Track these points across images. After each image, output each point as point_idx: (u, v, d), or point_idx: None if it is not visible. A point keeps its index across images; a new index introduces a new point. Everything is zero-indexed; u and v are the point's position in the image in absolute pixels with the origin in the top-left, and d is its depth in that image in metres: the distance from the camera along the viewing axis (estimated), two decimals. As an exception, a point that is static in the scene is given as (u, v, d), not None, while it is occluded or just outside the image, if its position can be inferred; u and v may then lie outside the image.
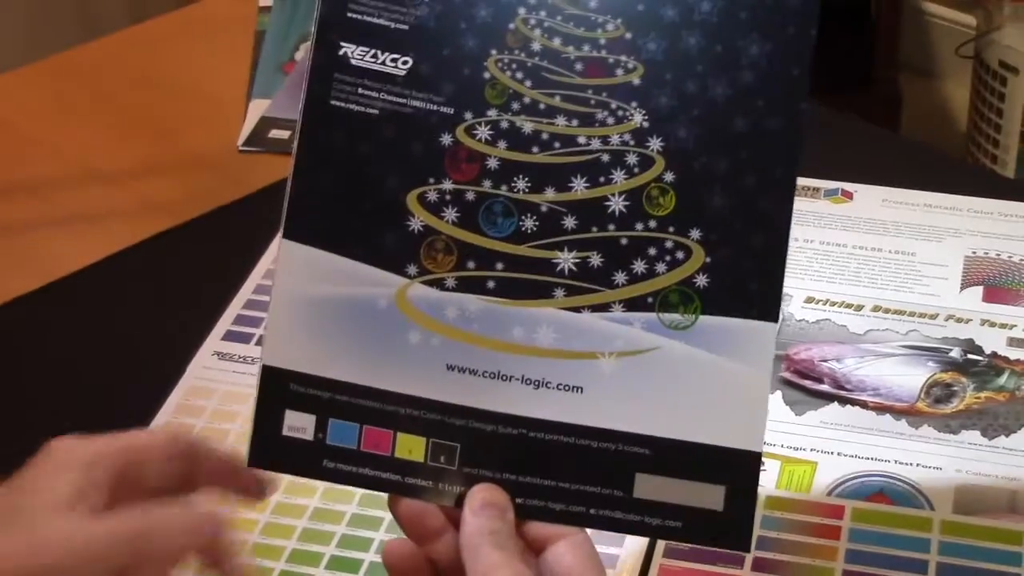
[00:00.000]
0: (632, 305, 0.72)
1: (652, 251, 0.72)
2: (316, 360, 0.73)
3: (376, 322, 0.73)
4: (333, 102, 0.73)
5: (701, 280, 0.72)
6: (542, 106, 0.73)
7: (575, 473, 0.72)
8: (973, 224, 1.11)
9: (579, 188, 0.72)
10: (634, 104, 0.72)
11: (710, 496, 0.71)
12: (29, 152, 1.27)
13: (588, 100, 0.73)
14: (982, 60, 2.22)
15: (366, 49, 0.73)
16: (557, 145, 0.73)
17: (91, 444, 0.72)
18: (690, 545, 0.84)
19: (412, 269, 0.73)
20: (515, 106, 0.73)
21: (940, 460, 0.93)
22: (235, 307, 1.06)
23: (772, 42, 0.72)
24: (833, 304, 1.04)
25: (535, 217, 0.73)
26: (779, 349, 1.00)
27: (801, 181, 1.14)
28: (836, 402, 0.97)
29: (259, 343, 1.02)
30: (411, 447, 0.73)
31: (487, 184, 0.73)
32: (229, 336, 1.04)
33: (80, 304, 1.10)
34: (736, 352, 0.72)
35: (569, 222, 0.73)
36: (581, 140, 0.72)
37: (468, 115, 0.73)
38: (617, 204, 0.72)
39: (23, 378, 1.04)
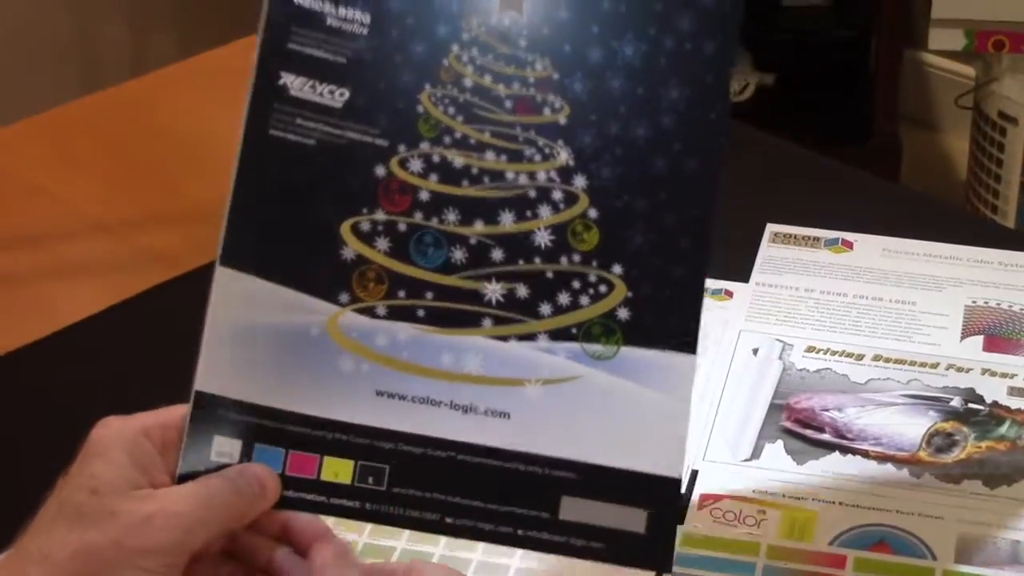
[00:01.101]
0: (557, 335, 0.75)
1: (576, 284, 0.75)
2: (245, 386, 0.75)
3: (307, 349, 0.75)
4: (272, 132, 0.75)
5: (623, 313, 0.75)
6: (472, 141, 0.75)
7: (503, 495, 0.75)
8: (973, 274, 1.11)
9: (507, 222, 0.75)
10: (560, 142, 0.75)
11: (632, 519, 0.74)
12: (32, 203, 1.27)
13: (516, 137, 0.75)
14: (981, 111, 2.23)
15: (305, 80, 0.75)
16: (486, 180, 0.75)
17: (135, 421, 0.74)
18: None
19: (344, 297, 0.75)
20: (447, 140, 0.75)
21: (942, 509, 0.93)
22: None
23: (690, 88, 0.75)
24: (834, 353, 1.04)
25: (464, 249, 0.75)
26: (780, 398, 1.01)
27: (802, 231, 1.15)
28: (837, 451, 0.97)
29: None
30: (338, 470, 0.75)
31: (418, 216, 0.75)
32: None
33: (82, 354, 1.10)
34: (657, 382, 0.75)
35: (497, 254, 0.75)
36: (509, 175, 0.75)
37: (401, 148, 0.75)
38: (543, 238, 0.75)
39: (26, 427, 1.04)
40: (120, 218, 1.25)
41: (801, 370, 1.03)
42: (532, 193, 0.75)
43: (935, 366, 1.03)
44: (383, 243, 0.75)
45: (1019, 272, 1.11)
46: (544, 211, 0.75)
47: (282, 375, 0.75)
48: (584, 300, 0.75)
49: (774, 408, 1.00)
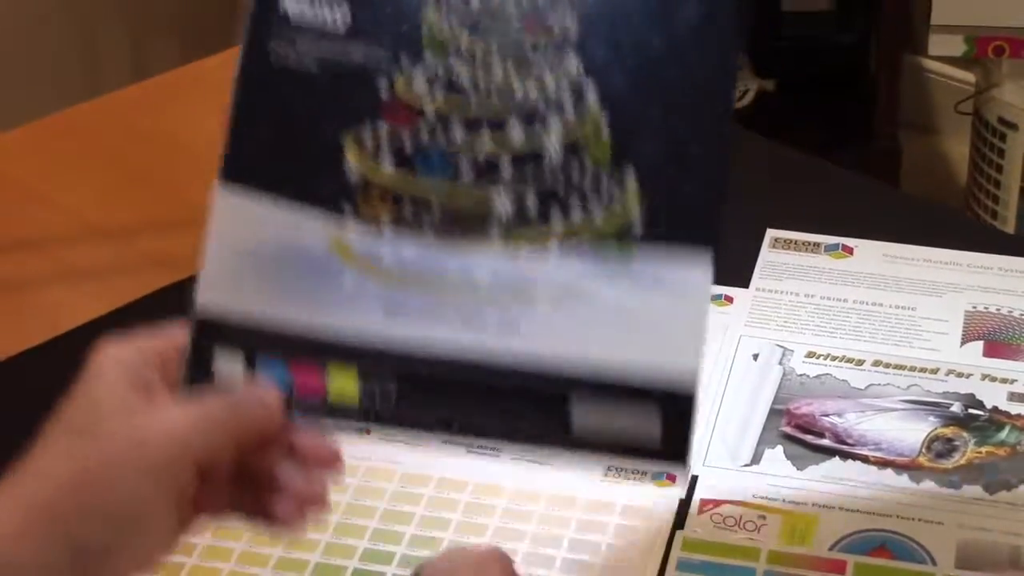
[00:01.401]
0: (569, 245, 0.73)
1: (588, 194, 0.73)
2: (248, 301, 0.74)
3: (311, 265, 0.74)
4: (271, 54, 0.75)
5: (636, 222, 0.73)
6: (479, 55, 0.74)
7: (514, 406, 0.73)
8: (973, 279, 1.11)
9: (516, 135, 0.74)
10: (571, 55, 0.74)
11: (648, 418, 0.72)
12: (33, 209, 1.27)
13: (525, 51, 0.74)
14: (981, 116, 2.23)
15: (303, 2, 0.75)
16: (494, 93, 0.74)
17: (133, 342, 0.74)
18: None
19: (349, 214, 0.74)
20: (453, 56, 0.74)
21: (942, 515, 0.93)
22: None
23: (703, 2, 0.74)
24: (834, 359, 1.04)
25: (472, 163, 0.74)
26: (780, 403, 1.01)
27: (802, 236, 1.15)
28: (837, 457, 0.97)
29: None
30: (344, 386, 0.73)
31: (425, 131, 0.74)
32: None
33: (83, 359, 1.10)
34: (671, 290, 0.73)
35: (506, 167, 0.74)
36: (518, 89, 0.74)
37: (406, 64, 0.74)
38: (553, 149, 0.74)
39: (26, 432, 1.04)
40: (121, 223, 1.25)
41: (801, 375, 1.03)
42: (542, 105, 0.74)
43: (935, 371, 1.03)
44: (388, 160, 0.74)
45: (1019, 278, 1.11)
46: (554, 123, 0.74)
47: (286, 290, 0.74)
48: (596, 209, 0.73)
49: (774, 413, 1.00)
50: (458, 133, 0.74)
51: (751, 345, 1.06)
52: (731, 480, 0.95)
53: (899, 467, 0.96)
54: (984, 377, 1.02)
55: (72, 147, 1.36)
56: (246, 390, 0.73)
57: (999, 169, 2.21)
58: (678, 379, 0.73)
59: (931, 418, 0.99)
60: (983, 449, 0.97)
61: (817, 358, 1.04)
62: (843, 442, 0.98)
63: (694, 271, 0.73)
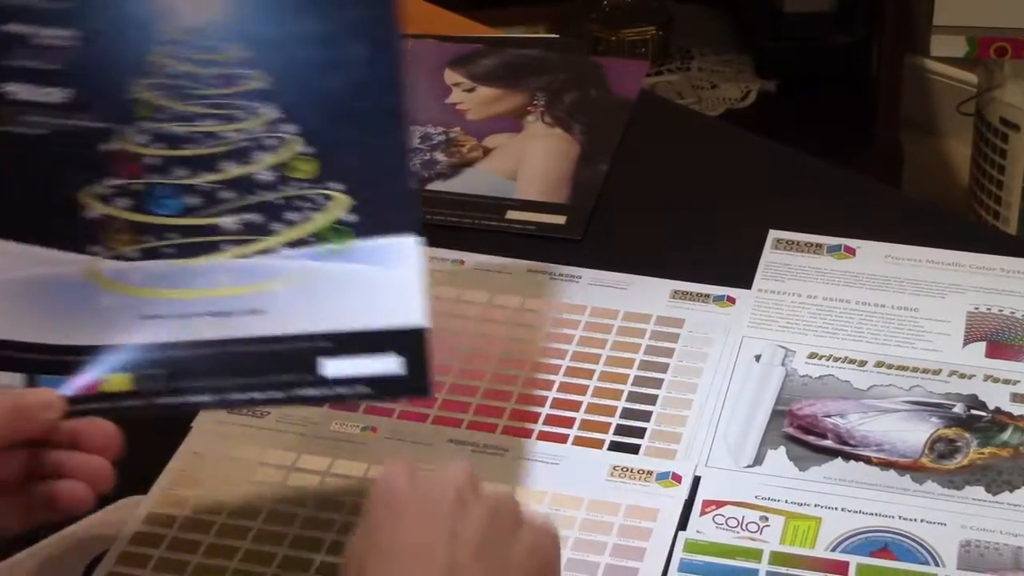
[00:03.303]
0: (294, 244, 0.88)
1: (304, 204, 0.88)
2: (19, 328, 0.86)
3: (70, 293, 0.87)
4: (2, 128, 0.86)
5: (350, 217, 0.87)
6: (189, 113, 0.87)
7: (269, 369, 0.87)
8: (976, 280, 1.11)
9: (231, 169, 0.87)
10: (266, 102, 0.87)
11: (390, 364, 0.87)
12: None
13: (226, 104, 0.87)
14: (983, 117, 2.23)
15: (22, 85, 0.86)
16: (207, 141, 0.87)
17: None
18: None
19: (95, 248, 0.87)
20: (165, 116, 0.87)
21: (944, 516, 0.93)
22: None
23: (368, 42, 0.87)
24: (836, 360, 1.04)
25: (197, 195, 0.87)
26: (783, 404, 1.01)
27: (804, 237, 1.15)
28: (840, 458, 0.97)
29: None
30: (119, 383, 0.86)
31: (153, 177, 0.87)
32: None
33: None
34: (389, 262, 0.87)
35: (227, 194, 0.87)
36: (227, 135, 0.87)
37: (125, 128, 0.87)
38: (266, 176, 0.87)
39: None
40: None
41: (803, 376, 1.03)
42: (248, 144, 0.87)
43: (937, 372, 1.03)
44: (123, 202, 0.87)
45: (1021, 279, 1.11)
46: (263, 156, 0.87)
47: (52, 316, 0.86)
48: (313, 214, 0.87)
49: (776, 414, 1.00)
50: (180, 172, 0.87)
51: (753, 346, 1.06)
52: (733, 481, 0.96)
53: (902, 468, 0.96)
54: (986, 378, 1.02)
55: None
56: (25, 390, 0.83)
57: (1001, 170, 2.21)
58: (408, 322, 0.87)
59: (934, 419, 0.99)
60: (985, 450, 0.97)
61: (819, 359, 1.05)
62: (846, 443, 0.98)
63: (404, 245, 0.87)
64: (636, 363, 1.05)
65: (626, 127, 1.29)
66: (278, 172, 0.87)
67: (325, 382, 0.87)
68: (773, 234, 1.16)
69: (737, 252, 1.15)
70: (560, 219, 1.18)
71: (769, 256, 1.14)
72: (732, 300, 1.10)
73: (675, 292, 1.11)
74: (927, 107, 2.61)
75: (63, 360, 0.86)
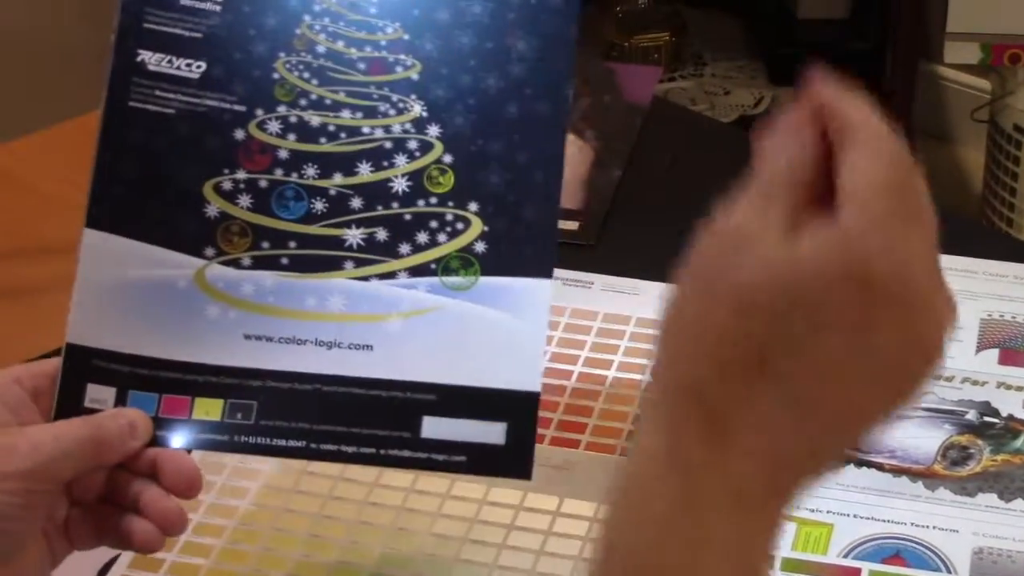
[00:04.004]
0: (416, 271, 0.80)
1: (434, 224, 0.80)
2: (117, 337, 0.79)
3: (176, 300, 0.79)
4: (132, 103, 0.80)
5: (480, 246, 0.79)
6: (328, 101, 0.80)
7: (365, 419, 0.78)
8: (988, 287, 1.11)
9: (364, 172, 0.80)
10: (413, 96, 0.80)
11: (492, 433, 0.78)
12: (51, 214, 1.27)
13: (371, 95, 0.80)
14: (997, 124, 2.23)
15: (162, 56, 0.80)
16: (343, 135, 0.80)
17: (6, 371, 0.77)
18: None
19: (210, 251, 0.80)
20: (303, 102, 0.80)
21: (957, 523, 0.93)
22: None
23: (538, 38, 0.79)
24: (849, 366, 1.04)
25: (324, 200, 0.80)
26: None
27: (817, 244, 1.15)
28: (852, 464, 0.97)
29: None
30: (208, 409, 0.79)
31: (279, 172, 0.79)
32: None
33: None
34: (513, 307, 0.79)
35: (356, 202, 0.80)
36: (365, 130, 0.80)
37: (259, 112, 0.80)
38: (400, 185, 0.80)
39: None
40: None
41: (816, 383, 1.03)
42: (388, 144, 0.80)
43: (950, 379, 1.03)
44: (245, 199, 0.80)
45: (1034, 286, 1.11)
46: (400, 160, 0.80)
47: (153, 325, 0.79)
48: (442, 237, 0.80)
49: (789, 420, 1.00)
50: (310, 171, 0.80)
51: (766, 352, 1.05)
52: (746, 487, 0.95)
53: (914, 475, 0.96)
54: (999, 385, 1.02)
55: (90, 152, 1.36)
56: (115, 413, 0.78)
57: (1015, 177, 2.20)
58: (522, 385, 0.79)
59: (946, 426, 0.99)
60: (998, 457, 0.97)
61: (832, 365, 1.04)
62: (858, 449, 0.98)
63: (534, 292, 0.79)
64: (649, 369, 1.04)
65: (639, 133, 1.29)
66: (413, 182, 0.80)
67: (423, 444, 0.79)
68: (786, 240, 1.16)
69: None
70: (573, 225, 1.19)
71: (782, 262, 1.14)
72: (745, 306, 1.10)
73: (688, 298, 1.11)
74: (941, 114, 2.61)
75: (158, 376, 0.79)
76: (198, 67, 0.80)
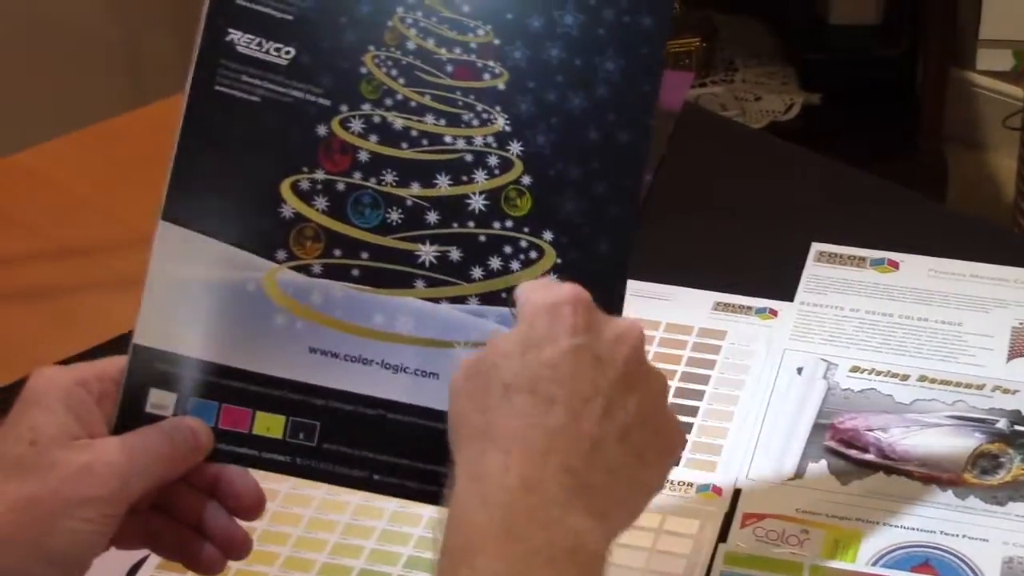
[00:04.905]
0: (487, 299, 0.76)
1: (508, 249, 0.77)
2: (182, 340, 0.76)
3: (244, 305, 0.76)
4: (217, 87, 0.77)
5: (551, 278, 0.76)
6: (413, 104, 0.77)
7: (430, 454, 0.75)
8: (1020, 295, 1.10)
9: (443, 185, 0.77)
10: (498, 108, 0.77)
11: None
12: (81, 214, 1.28)
13: (456, 101, 0.77)
14: (1029, 131, 2.22)
15: (252, 37, 0.76)
16: (425, 142, 0.77)
17: (72, 371, 0.75)
18: None
19: (281, 254, 0.76)
20: (388, 102, 0.77)
21: (987, 532, 0.92)
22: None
23: (626, 60, 0.76)
24: (879, 373, 1.04)
25: (400, 210, 0.77)
26: (824, 418, 1.00)
27: (847, 250, 1.15)
28: (881, 472, 0.97)
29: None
30: (270, 425, 0.76)
31: (357, 176, 0.77)
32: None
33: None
34: None
35: (432, 216, 0.77)
36: (447, 139, 0.77)
37: (344, 108, 0.77)
38: (477, 203, 0.77)
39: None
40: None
41: (846, 390, 1.03)
42: (468, 157, 0.77)
43: (981, 387, 1.02)
44: (321, 202, 0.77)
45: (1066, 294, 1.10)
46: (479, 175, 0.77)
47: (218, 330, 0.76)
48: (515, 265, 0.77)
49: (818, 427, 1.00)
50: (388, 178, 0.77)
51: (795, 359, 1.05)
52: (774, 494, 0.95)
53: (944, 483, 0.96)
54: (1030, 394, 1.02)
55: (121, 154, 1.37)
56: (180, 425, 0.75)
57: (1046, 184, 2.19)
58: None
59: (977, 434, 0.99)
60: (1029, 466, 0.97)
61: (862, 372, 1.04)
62: (888, 457, 0.98)
63: None
64: (678, 375, 1.04)
65: (670, 138, 1.29)
66: (491, 201, 0.77)
67: None
68: (816, 247, 1.16)
69: (780, 264, 1.14)
70: (603, 230, 1.18)
71: (812, 269, 1.14)
72: (774, 312, 1.10)
73: (717, 304, 1.11)
74: (972, 120, 2.60)
75: (219, 384, 0.76)
76: (287, 53, 0.76)
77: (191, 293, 0.76)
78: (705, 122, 1.38)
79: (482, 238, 0.77)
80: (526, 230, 0.77)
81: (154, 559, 0.91)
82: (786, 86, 2.54)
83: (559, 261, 0.77)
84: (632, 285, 1.12)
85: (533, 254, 0.77)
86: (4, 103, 2.33)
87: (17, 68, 2.36)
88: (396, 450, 0.76)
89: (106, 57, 2.47)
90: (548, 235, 0.77)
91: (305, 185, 0.77)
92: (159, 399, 0.76)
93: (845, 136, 2.39)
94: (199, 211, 0.76)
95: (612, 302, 0.76)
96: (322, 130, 0.77)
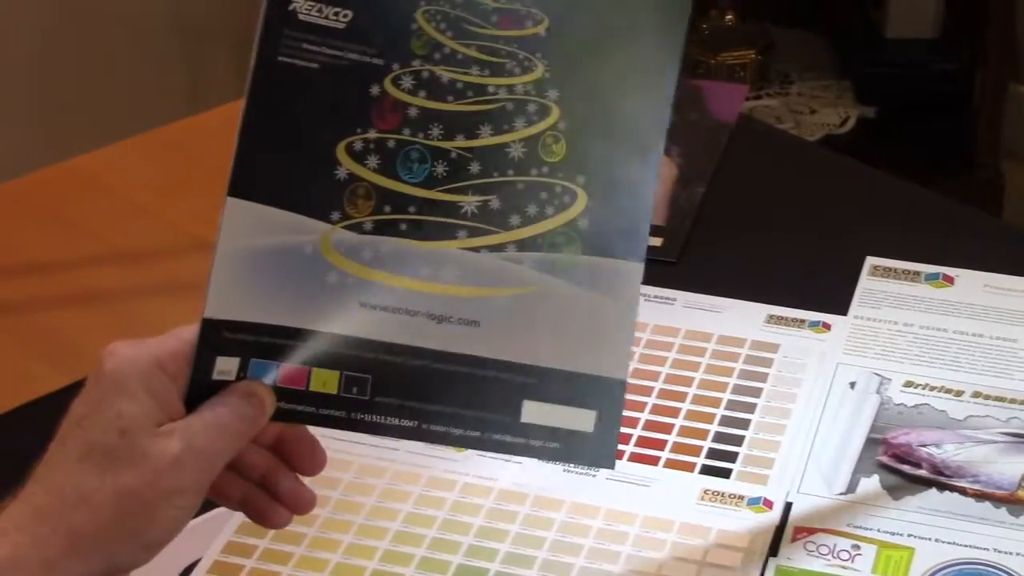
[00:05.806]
0: (523, 246, 0.79)
1: (544, 195, 0.79)
2: (245, 307, 0.78)
3: (301, 267, 0.78)
4: (281, 58, 0.78)
5: (583, 222, 0.79)
6: (459, 56, 0.79)
7: (473, 401, 0.79)
8: (1077, 311, 1.10)
9: (485, 135, 0.79)
10: (538, 55, 0.79)
11: (583, 420, 0.79)
12: (138, 222, 1.29)
13: (499, 51, 0.79)
14: (1086, 147, 2.20)
15: (313, 3, 0.78)
16: (470, 94, 0.79)
17: (146, 351, 0.77)
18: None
19: (336, 215, 0.79)
20: (436, 56, 0.79)
21: (1040, 550, 0.92)
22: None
23: (659, 10, 0.79)
24: (932, 389, 1.04)
25: (445, 163, 0.79)
26: (877, 433, 1.00)
27: (902, 264, 1.14)
28: (934, 488, 0.96)
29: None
30: (325, 380, 0.79)
31: (406, 132, 0.78)
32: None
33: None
34: (608, 289, 0.80)
35: (474, 167, 0.79)
36: (490, 89, 0.79)
37: (396, 66, 0.78)
38: (516, 151, 0.79)
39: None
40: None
41: (899, 405, 1.02)
42: (509, 106, 0.79)
43: (1035, 404, 1.02)
44: (373, 160, 0.79)
45: (1123, 311, 1.10)
46: (519, 123, 0.79)
47: (277, 293, 0.78)
48: (549, 210, 0.79)
49: (871, 442, 1.00)
50: (435, 132, 0.79)
51: (848, 373, 1.05)
52: (826, 508, 0.95)
53: (997, 500, 0.95)
54: (1086, 411, 1.01)
55: (177, 161, 1.37)
56: (247, 395, 0.78)
57: (1104, 201, 2.18)
58: (612, 372, 0.79)
59: (1031, 451, 0.98)
60: (1083, 484, 0.96)
61: (915, 388, 1.04)
62: (941, 473, 0.97)
63: (628, 276, 0.80)
64: (729, 387, 1.04)
65: (724, 150, 1.29)
66: (528, 148, 0.79)
67: (522, 429, 0.80)
68: (870, 260, 1.16)
69: (833, 278, 1.14)
70: (656, 241, 1.18)
71: (866, 283, 1.14)
72: (828, 326, 1.09)
73: (770, 317, 1.10)
74: (1029, 136, 2.58)
75: (276, 344, 0.78)
76: (345, 16, 0.78)
77: (256, 263, 0.78)
78: (760, 134, 1.38)
79: (520, 185, 0.79)
80: (560, 175, 0.79)
81: (207, 561, 0.91)
82: (841, 99, 2.53)
83: (590, 204, 0.79)
84: (685, 297, 1.13)
85: (567, 198, 0.79)
86: (64, 108, 2.35)
87: (78, 73, 2.38)
88: (441, 398, 0.79)
89: (166, 64, 2.49)
90: (581, 179, 0.79)
91: (359, 146, 0.79)
92: (224, 365, 0.78)
93: (901, 150, 2.38)
94: (263, 183, 0.78)
95: (637, 247, 0.79)
96: (375, 90, 0.79)
